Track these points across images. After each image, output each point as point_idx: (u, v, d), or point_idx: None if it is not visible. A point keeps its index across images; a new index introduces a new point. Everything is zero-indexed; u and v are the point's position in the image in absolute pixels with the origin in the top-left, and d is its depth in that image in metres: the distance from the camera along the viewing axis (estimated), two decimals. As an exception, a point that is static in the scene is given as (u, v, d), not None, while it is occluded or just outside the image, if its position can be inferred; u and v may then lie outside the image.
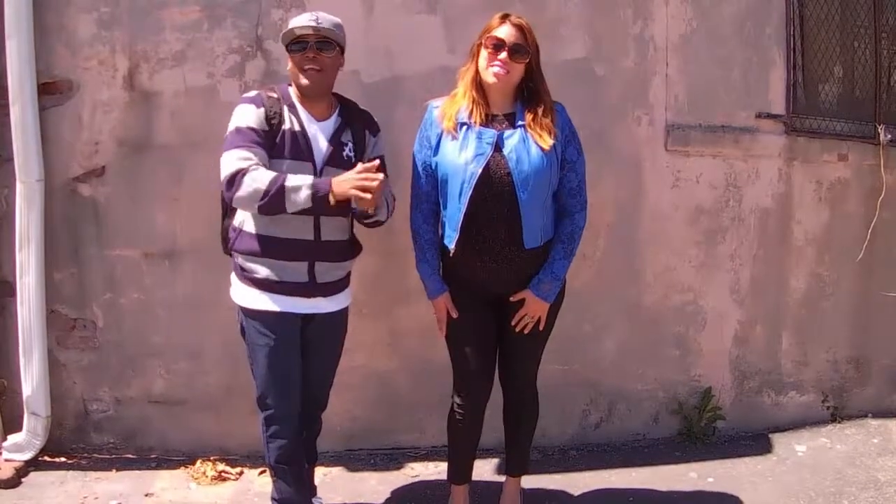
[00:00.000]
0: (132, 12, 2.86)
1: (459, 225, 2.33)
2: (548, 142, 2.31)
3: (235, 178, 2.18)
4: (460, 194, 2.31)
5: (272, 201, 2.16)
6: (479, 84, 2.35)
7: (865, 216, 3.45)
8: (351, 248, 2.46)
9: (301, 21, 2.28)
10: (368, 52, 2.91)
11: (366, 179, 2.14)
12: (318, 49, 2.28)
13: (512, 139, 2.31)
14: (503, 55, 2.28)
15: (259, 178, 2.16)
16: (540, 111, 2.34)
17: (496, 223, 2.33)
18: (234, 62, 2.92)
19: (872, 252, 3.46)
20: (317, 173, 2.28)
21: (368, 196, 2.14)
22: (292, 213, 2.21)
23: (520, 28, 2.29)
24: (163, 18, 2.87)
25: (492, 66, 2.29)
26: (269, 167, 2.23)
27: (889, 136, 3.41)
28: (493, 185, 2.30)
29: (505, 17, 2.31)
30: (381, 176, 2.17)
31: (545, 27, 2.99)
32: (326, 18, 2.30)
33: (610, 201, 3.16)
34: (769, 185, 3.33)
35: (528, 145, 2.31)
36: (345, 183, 2.16)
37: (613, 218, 3.19)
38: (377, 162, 2.22)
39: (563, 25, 3.04)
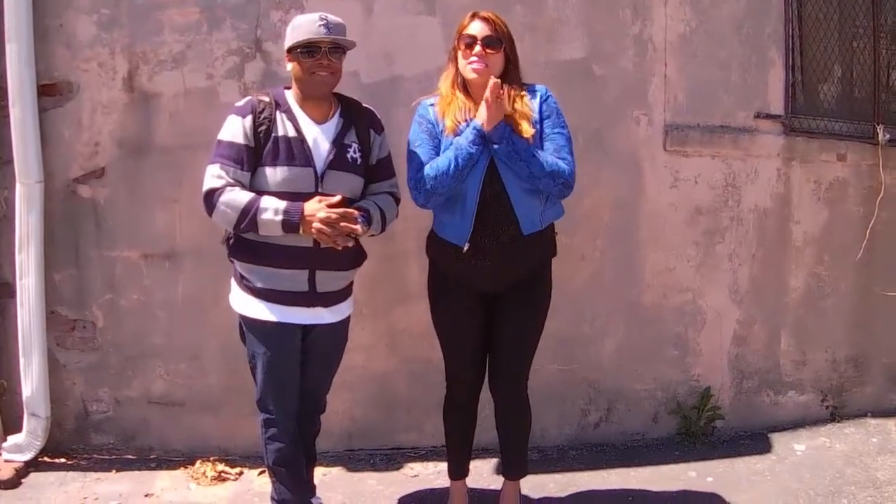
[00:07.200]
0: (131, 14, 2.87)
1: (472, 218, 2.34)
2: (528, 130, 2.34)
3: (209, 198, 2.22)
4: (466, 190, 2.33)
5: (246, 229, 2.20)
6: (463, 85, 2.39)
7: (864, 216, 3.45)
8: (354, 257, 2.38)
9: (310, 25, 2.20)
10: (368, 52, 2.90)
11: (328, 218, 2.15)
12: (331, 54, 2.23)
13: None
14: (477, 49, 2.34)
15: (232, 204, 2.18)
16: (513, 99, 2.35)
17: (498, 212, 2.35)
18: (233, 63, 2.92)
19: (871, 252, 3.46)
20: (318, 178, 2.25)
21: (326, 237, 2.16)
22: None
23: (488, 21, 2.36)
24: (162, 20, 2.88)
25: (469, 62, 2.35)
26: (265, 175, 2.23)
27: (887, 135, 3.41)
28: (493, 178, 2.34)
29: (474, 15, 2.38)
30: (338, 212, 2.17)
31: (544, 28, 3.02)
32: (334, 22, 2.23)
33: (608, 201, 3.17)
34: (768, 185, 3.33)
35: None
36: (310, 218, 2.16)
37: (612, 218, 3.19)
38: (339, 198, 2.21)
39: (562, 26, 3.04)
